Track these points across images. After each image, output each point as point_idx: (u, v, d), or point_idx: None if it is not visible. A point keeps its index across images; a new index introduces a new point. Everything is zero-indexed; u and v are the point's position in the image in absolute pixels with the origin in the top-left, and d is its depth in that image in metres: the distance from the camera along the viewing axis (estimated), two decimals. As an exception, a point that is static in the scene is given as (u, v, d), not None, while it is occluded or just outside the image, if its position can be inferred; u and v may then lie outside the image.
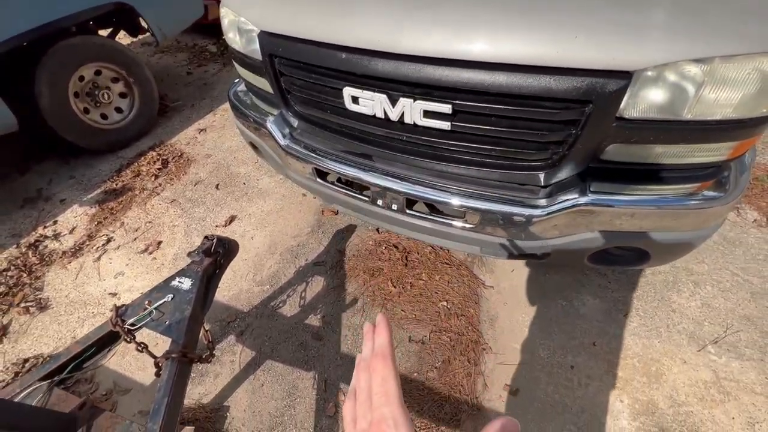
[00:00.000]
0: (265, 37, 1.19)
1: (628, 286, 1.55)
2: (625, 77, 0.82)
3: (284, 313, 1.60)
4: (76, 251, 1.92)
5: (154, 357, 0.97)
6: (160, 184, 2.28)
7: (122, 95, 2.52)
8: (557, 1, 0.89)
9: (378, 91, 1.03)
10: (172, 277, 1.08)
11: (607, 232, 1.04)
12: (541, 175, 1.03)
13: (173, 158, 2.45)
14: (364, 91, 1.05)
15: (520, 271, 1.65)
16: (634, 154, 0.95)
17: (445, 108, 0.97)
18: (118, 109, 2.52)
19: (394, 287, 1.63)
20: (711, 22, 0.80)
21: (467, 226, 1.14)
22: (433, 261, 1.70)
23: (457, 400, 1.29)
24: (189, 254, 1.13)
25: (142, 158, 2.47)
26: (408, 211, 1.21)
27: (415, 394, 1.32)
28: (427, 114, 1.01)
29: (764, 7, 0.81)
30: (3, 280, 1.81)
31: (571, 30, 0.83)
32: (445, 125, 1.01)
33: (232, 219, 2.02)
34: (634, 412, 1.22)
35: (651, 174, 0.99)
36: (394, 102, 1.02)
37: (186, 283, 1.06)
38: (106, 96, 2.42)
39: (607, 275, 1.60)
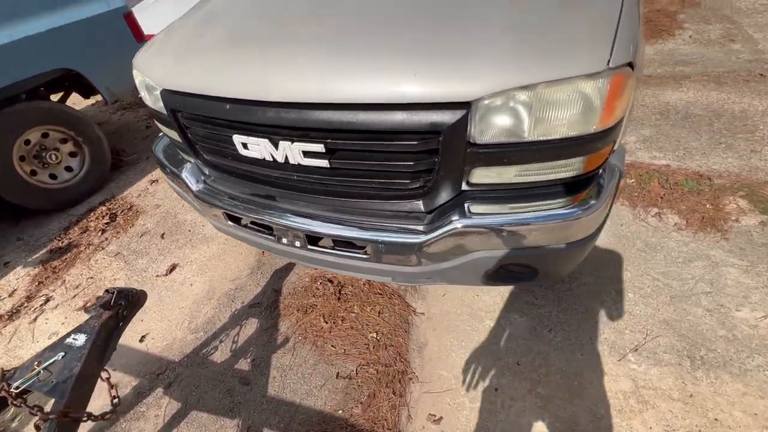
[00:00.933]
0: (166, 94, 1.26)
1: (555, 301, 1.56)
2: (464, 107, 0.89)
3: (215, 360, 1.58)
4: (13, 314, 1.90)
5: (38, 418, 0.95)
6: (106, 239, 2.29)
7: (72, 154, 2.58)
8: (399, 40, 0.97)
9: (261, 137, 1.09)
10: (68, 335, 1.08)
11: (491, 251, 1.07)
12: (421, 203, 1.08)
13: (122, 211, 2.48)
14: (250, 137, 1.11)
15: (451, 294, 1.67)
16: (498, 176, 1.00)
17: (319, 147, 1.03)
18: (68, 168, 2.58)
19: (326, 323, 1.63)
20: (534, 51, 0.88)
21: (366, 256, 1.17)
22: (366, 292, 1.71)
23: (380, 436, 1.27)
24: (85, 309, 1.13)
25: (92, 214, 2.50)
26: (310, 246, 1.23)
27: (337, 431, 1.29)
28: (307, 154, 1.06)
29: (577, 34, 0.89)
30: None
31: (410, 69, 0.90)
32: (325, 163, 1.06)
33: (173, 267, 2.03)
34: (554, 431, 1.20)
35: (521, 193, 1.04)
36: (276, 145, 1.08)
37: (80, 339, 1.06)
38: (54, 157, 2.48)
39: (534, 291, 1.61)
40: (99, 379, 1.12)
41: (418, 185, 1.04)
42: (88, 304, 1.13)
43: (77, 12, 2.42)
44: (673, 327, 1.40)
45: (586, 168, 0.98)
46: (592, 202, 1.00)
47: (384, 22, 1.04)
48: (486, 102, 0.88)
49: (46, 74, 2.35)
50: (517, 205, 1.03)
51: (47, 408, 0.94)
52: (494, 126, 0.91)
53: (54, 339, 1.75)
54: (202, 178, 1.46)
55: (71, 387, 0.97)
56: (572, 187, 1.02)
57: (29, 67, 2.27)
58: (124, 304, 1.17)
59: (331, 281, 1.78)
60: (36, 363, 1.02)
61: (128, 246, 2.22)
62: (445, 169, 0.98)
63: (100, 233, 2.33)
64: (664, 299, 1.49)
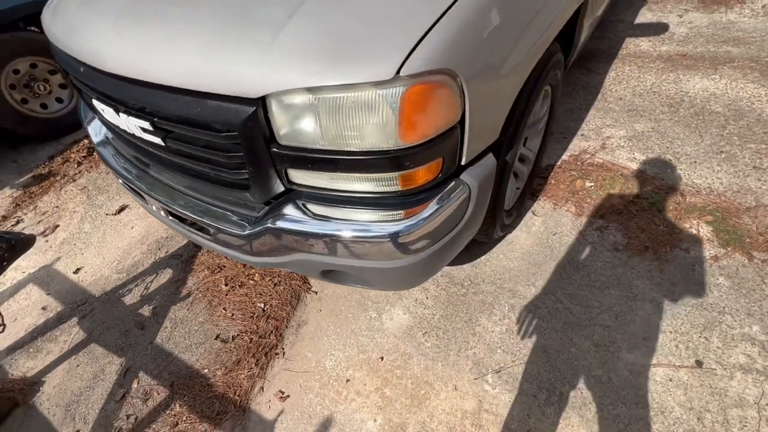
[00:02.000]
0: (54, 47, 1.26)
1: (443, 305, 1.49)
2: (253, 104, 0.80)
3: (125, 301, 1.72)
4: (-12, 230, 2.16)
5: None
6: (79, 172, 2.48)
7: (62, 86, 2.73)
8: (210, 20, 0.87)
9: (107, 105, 1.07)
10: (-51, 268, 1.22)
11: (310, 255, 1.02)
12: (248, 194, 1.03)
13: (101, 147, 2.64)
14: (100, 104, 1.10)
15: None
16: (314, 179, 0.93)
17: (148, 125, 0.99)
18: (59, 99, 2.74)
19: (226, 285, 1.69)
20: (326, 49, 0.76)
21: (209, 238, 1.17)
22: (271, 262, 1.74)
23: (229, 401, 1.35)
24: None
25: (75, 146, 2.69)
26: (170, 218, 1.25)
27: (195, 389, 1.39)
28: (143, 129, 1.03)
29: (380, 31, 0.75)
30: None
31: (204, 55, 0.82)
32: (159, 141, 1.03)
33: (122, 209, 2.17)
34: (381, 433, 1.21)
35: (341, 200, 0.95)
36: (118, 115, 1.06)
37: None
38: (43, 87, 2.63)
39: (429, 290, 1.55)
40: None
41: (239, 177, 0.99)
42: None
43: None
44: (549, 356, 1.30)
45: (405, 184, 0.87)
46: (408, 223, 0.90)
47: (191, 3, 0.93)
48: (273, 101, 0.79)
49: (30, 4, 2.42)
50: (337, 210, 0.96)
51: None
52: (287, 128, 0.82)
53: (11, 258, 1.99)
54: (106, 135, 1.49)
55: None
56: (395, 202, 0.92)
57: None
58: (5, 247, 1.28)
59: (246, 245, 1.82)
60: None
61: (95, 181, 2.39)
62: (254, 165, 0.91)
63: (76, 165, 2.52)
64: (555, 324, 1.37)
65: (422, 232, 0.92)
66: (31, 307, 1.76)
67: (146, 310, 1.67)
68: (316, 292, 1.63)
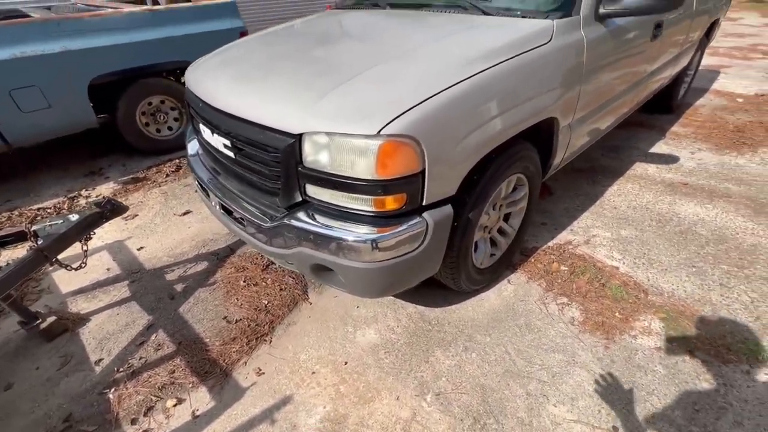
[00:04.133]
0: (186, 88, 1.91)
1: (409, 334, 1.75)
2: (294, 137, 1.28)
3: (166, 277, 2.16)
4: (85, 207, 2.81)
5: (30, 248, 1.61)
6: (165, 181, 3.16)
7: (175, 119, 3.60)
8: (279, 81, 1.42)
9: (207, 126, 1.63)
10: (70, 213, 1.76)
11: (309, 250, 1.40)
12: (277, 199, 1.47)
13: (185, 165, 3.36)
14: (203, 126, 1.67)
15: (340, 298, 1.97)
16: (321, 194, 1.35)
17: (228, 142, 1.52)
18: (169, 128, 3.60)
19: (244, 282, 2.08)
20: (341, 109, 1.23)
21: (243, 227, 1.60)
22: (282, 274, 2.12)
23: (217, 365, 1.66)
24: (88, 202, 1.80)
25: (169, 162, 3.44)
26: (221, 211, 1.72)
27: (195, 351, 1.72)
28: (225, 146, 1.56)
29: (377, 103, 1.21)
30: (43, 214, 2.76)
31: (270, 105, 1.34)
32: (232, 154, 1.54)
33: (187, 212, 2.74)
34: (325, 418, 1.43)
35: (338, 212, 1.35)
36: (213, 135, 1.60)
37: (74, 218, 1.72)
38: (162, 118, 3.50)
39: (401, 320, 1.82)
40: (80, 245, 1.77)
41: (274, 185, 1.44)
42: (90, 200, 1.80)
43: (211, 25, 3.44)
44: (485, 392, 1.48)
45: (377, 207, 1.27)
46: (378, 235, 1.27)
47: (279, 73, 1.51)
48: (306, 138, 1.26)
49: (176, 62, 3.38)
50: (333, 221, 1.36)
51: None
52: (311, 155, 1.28)
53: (99, 231, 2.57)
54: (198, 147, 2.08)
55: (54, 240, 1.62)
56: (371, 220, 1.31)
57: (169, 55, 3.33)
58: (109, 208, 1.82)
59: (264, 257, 2.24)
60: (48, 222, 1.71)
61: (174, 190, 3.03)
62: (286, 178, 1.37)
63: (164, 176, 3.22)
64: (498, 370, 1.57)
65: (387, 244, 1.28)
66: (99, 267, 2.26)
67: (179, 287, 2.09)
68: (311, 303, 1.96)
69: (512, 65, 1.45)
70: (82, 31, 2.87)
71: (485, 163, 1.48)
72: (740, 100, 4.38)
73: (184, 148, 3.55)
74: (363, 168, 1.20)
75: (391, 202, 1.27)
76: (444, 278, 1.71)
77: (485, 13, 1.79)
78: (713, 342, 1.63)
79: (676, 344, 1.63)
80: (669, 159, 3.16)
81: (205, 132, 1.66)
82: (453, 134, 1.29)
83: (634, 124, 3.79)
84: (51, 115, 2.91)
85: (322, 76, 1.42)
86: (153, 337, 1.80)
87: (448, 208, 1.39)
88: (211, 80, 1.68)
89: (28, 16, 3.16)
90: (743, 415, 1.38)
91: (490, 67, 1.39)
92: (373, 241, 1.28)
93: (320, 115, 1.25)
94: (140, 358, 1.71)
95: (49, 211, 2.83)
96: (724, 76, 5.23)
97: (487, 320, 1.80)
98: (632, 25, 2.06)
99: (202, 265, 2.24)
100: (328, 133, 1.22)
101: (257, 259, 2.24)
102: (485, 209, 1.61)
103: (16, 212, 2.83)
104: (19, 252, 2.25)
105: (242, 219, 1.60)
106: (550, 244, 2.26)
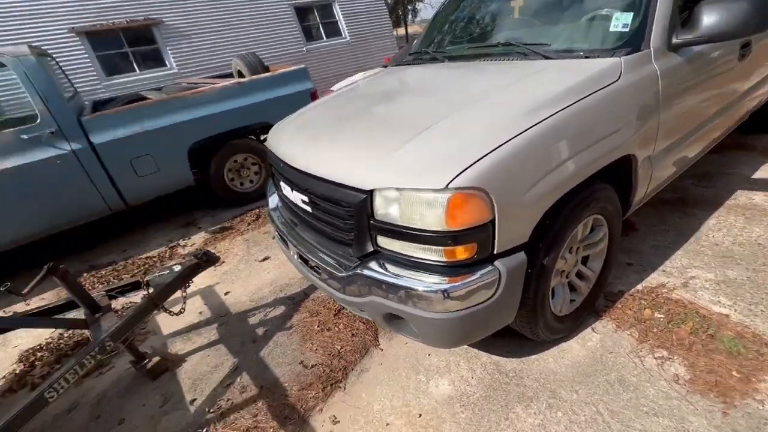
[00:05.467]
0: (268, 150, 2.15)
1: (486, 387, 1.66)
2: (366, 193, 1.37)
3: (249, 321, 2.33)
4: (185, 256, 3.18)
5: (144, 296, 1.86)
6: (247, 229, 3.49)
7: (255, 173, 4.02)
8: (348, 142, 1.54)
9: (287, 184, 1.81)
10: (174, 264, 2.01)
11: (381, 299, 1.44)
12: (350, 249, 1.55)
13: (266, 214, 3.69)
14: (284, 183, 1.85)
15: (411, 346, 1.95)
16: (392, 244, 1.40)
17: (306, 198, 1.66)
18: (250, 181, 4.02)
19: (318, 327, 2.17)
20: (410, 166, 1.30)
21: (319, 275, 1.70)
22: (352, 319, 2.18)
23: (296, 411, 1.71)
24: (187, 254, 2.05)
25: (250, 212, 3.81)
26: (299, 260, 1.85)
27: (275, 395, 1.80)
28: (303, 200, 1.71)
29: (443, 158, 1.26)
30: (147, 266, 3.18)
31: (343, 164, 1.46)
32: (309, 209, 1.68)
33: (266, 258, 2.97)
34: (402, 475, 1.39)
35: (409, 262, 1.39)
36: (292, 191, 1.77)
37: (177, 269, 1.97)
38: (246, 172, 3.94)
39: (476, 371, 1.74)
40: (180, 292, 2.00)
41: (348, 237, 1.53)
42: (188, 254, 2.05)
43: (286, 89, 3.87)
44: (575, 459, 1.34)
45: (448, 257, 1.28)
46: (450, 285, 1.27)
47: (351, 133, 1.64)
48: (377, 193, 1.34)
49: (260, 123, 3.83)
50: (404, 271, 1.39)
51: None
52: (381, 209, 1.35)
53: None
54: (277, 201, 2.29)
55: (162, 289, 1.86)
56: (442, 269, 1.32)
57: (254, 118, 3.79)
58: (204, 259, 2.05)
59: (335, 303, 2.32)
60: (157, 273, 1.98)
61: (254, 237, 3.33)
62: (358, 230, 1.45)
63: (246, 225, 3.56)
64: (589, 432, 1.41)
65: (459, 294, 1.28)
66: (194, 311, 2.52)
67: (260, 331, 2.24)
68: (382, 350, 1.97)
69: (579, 108, 1.43)
70: (186, 106, 3.42)
71: (559, 207, 1.44)
72: None
73: (263, 198, 3.96)
74: (432, 220, 1.24)
75: (462, 252, 1.27)
76: (521, 327, 1.63)
77: (546, 58, 1.79)
78: None
79: (822, 414, 1.34)
80: (780, 185, 2.75)
81: (285, 188, 1.84)
82: (522, 182, 1.28)
83: (730, 146, 3.39)
84: (159, 178, 3.44)
85: (389, 133, 1.52)
86: (238, 380, 1.93)
87: (521, 256, 1.35)
88: (289, 142, 1.88)
89: (146, 98, 3.85)
90: None
91: (557, 113, 1.38)
92: (445, 291, 1.28)
93: (389, 171, 1.32)
94: (227, 400, 1.83)
95: (154, 259, 3.27)
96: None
97: (572, 374, 1.65)
98: (713, 47, 1.92)
99: (279, 309, 2.39)
100: (397, 189, 1.29)
101: (329, 303, 2.33)
102: (561, 254, 1.54)
103: (129, 261, 3.30)
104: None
105: (318, 268, 1.71)
106: (639, 287, 2.05)
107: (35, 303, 2.85)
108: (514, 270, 1.33)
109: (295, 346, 2.09)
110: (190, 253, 2.66)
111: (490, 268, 1.31)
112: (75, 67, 7.40)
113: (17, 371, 2.26)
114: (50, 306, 2.05)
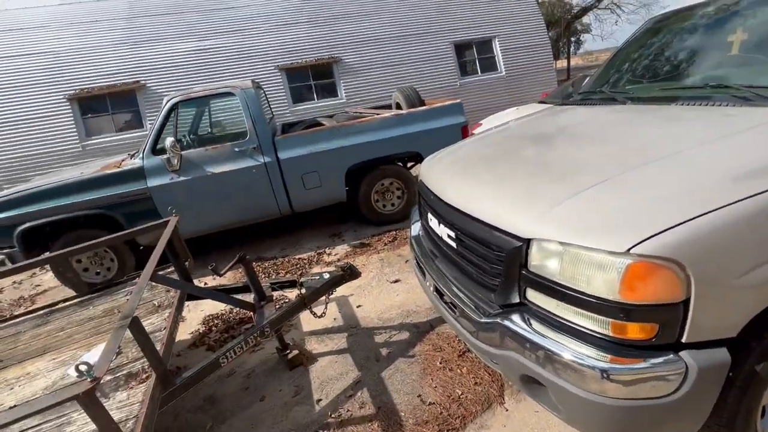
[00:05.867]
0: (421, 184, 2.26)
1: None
2: (522, 240, 1.29)
3: (375, 339, 2.44)
4: (329, 264, 3.56)
5: (298, 295, 2.14)
6: (383, 249, 3.71)
7: (398, 197, 4.27)
8: (509, 186, 1.48)
9: (436, 216, 1.85)
10: (324, 272, 2.26)
11: (521, 356, 1.31)
12: (493, 296, 1.47)
13: (402, 237, 3.86)
14: (432, 215, 1.90)
15: (540, 415, 1.72)
16: (543, 301, 1.28)
17: (452, 233, 1.67)
18: (392, 204, 4.28)
19: (440, 364, 2.12)
20: (581, 219, 1.18)
21: (454, 314, 1.67)
22: (478, 366, 2.05)
23: (409, 445, 1.68)
24: (335, 264, 2.28)
25: (388, 233, 4.04)
26: (434, 293, 1.85)
27: (391, 421, 1.81)
28: (448, 235, 1.72)
29: (625, 217, 1.10)
30: (298, 265, 3.67)
31: (500, 206, 1.41)
32: (454, 244, 1.68)
33: (397, 281, 3.08)
34: None
35: (562, 324, 1.24)
36: (439, 223, 1.81)
37: (326, 276, 2.21)
38: (390, 196, 4.22)
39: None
40: (325, 297, 2.23)
41: (492, 282, 1.46)
42: (335, 265, 2.27)
43: (440, 122, 4.04)
44: None
45: (616, 332, 1.09)
46: (614, 366, 1.08)
47: (511, 175, 1.57)
48: (535, 242, 1.25)
49: (410, 152, 4.09)
50: (555, 333, 1.25)
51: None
52: (538, 261, 1.25)
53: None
54: (419, 233, 2.37)
55: (312, 291, 2.11)
56: (605, 344, 1.12)
57: (406, 147, 4.08)
58: (349, 272, 2.25)
59: (461, 343, 2.23)
60: (310, 277, 2.25)
61: (389, 258, 3.51)
62: (506, 277, 1.37)
63: (383, 244, 3.79)
64: None
65: (623, 379, 1.07)
66: (330, 316, 2.78)
67: (384, 351, 2.31)
68: (507, 410, 1.79)
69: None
70: (351, 133, 3.89)
71: (788, 301, 1.08)
72: None
73: (401, 221, 4.17)
74: (602, 286, 1.08)
75: (636, 331, 1.07)
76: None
77: (779, 104, 1.42)
78: None
79: None
80: None
81: (432, 220, 1.88)
82: (734, 264, 1.02)
83: None
84: (321, 192, 3.97)
85: (558, 179, 1.41)
86: (359, 394, 2.02)
87: (722, 353, 1.06)
88: (444, 176, 1.92)
89: (321, 124, 4.54)
90: None
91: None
92: (604, 370, 1.09)
93: (555, 222, 1.22)
94: (347, 410, 1.93)
95: (304, 260, 3.75)
96: None
97: None
98: None
99: (404, 335, 2.43)
100: (561, 243, 1.17)
101: (454, 342, 2.26)
102: (786, 363, 1.15)
103: (286, 258, 3.87)
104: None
105: (453, 304, 1.68)
106: None
107: (217, 281, 3.58)
108: (709, 369, 1.04)
109: (415, 377, 2.08)
110: (336, 264, 2.97)
111: (672, 357, 1.06)
112: (274, 95, 9.29)
113: (200, 331, 2.86)
114: (230, 286, 2.54)
